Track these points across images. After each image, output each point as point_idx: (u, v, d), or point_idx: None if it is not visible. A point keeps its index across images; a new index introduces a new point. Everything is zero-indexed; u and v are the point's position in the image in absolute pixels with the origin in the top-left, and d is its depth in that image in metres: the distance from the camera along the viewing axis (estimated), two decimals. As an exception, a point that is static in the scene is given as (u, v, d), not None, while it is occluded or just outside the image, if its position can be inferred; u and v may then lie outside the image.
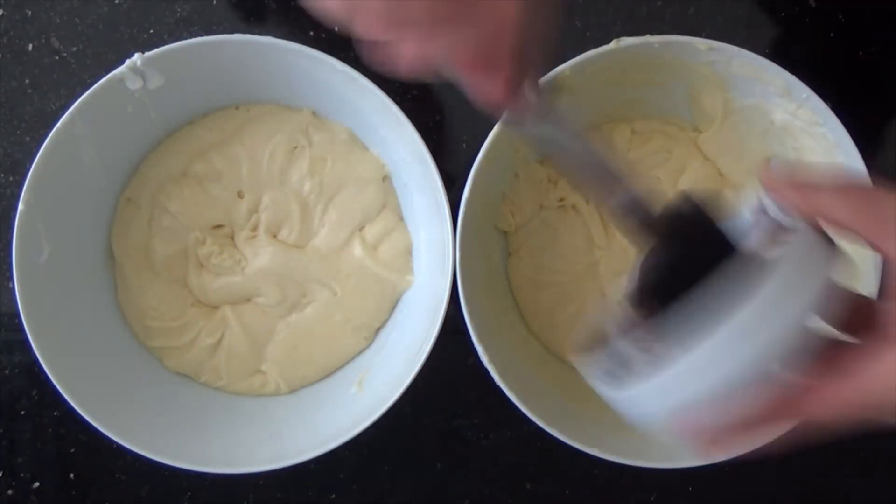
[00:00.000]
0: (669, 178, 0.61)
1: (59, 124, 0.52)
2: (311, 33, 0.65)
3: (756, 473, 0.65)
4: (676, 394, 0.34)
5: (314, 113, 0.60)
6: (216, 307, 0.61)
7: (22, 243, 0.52)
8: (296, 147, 0.60)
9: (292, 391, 0.61)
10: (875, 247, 0.35)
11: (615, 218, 0.41)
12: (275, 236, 0.60)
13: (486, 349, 0.52)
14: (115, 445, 0.52)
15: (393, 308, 0.61)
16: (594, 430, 0.56)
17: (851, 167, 0.53)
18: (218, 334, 0.60)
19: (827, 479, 0.66)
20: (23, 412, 0.65)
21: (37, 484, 0.65)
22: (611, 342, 0.39)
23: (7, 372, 0.65)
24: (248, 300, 0.61)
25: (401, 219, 0.61)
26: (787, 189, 0.37)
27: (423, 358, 0.52)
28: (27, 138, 0.65)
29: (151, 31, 0.65)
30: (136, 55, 0.52)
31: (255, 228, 0.60)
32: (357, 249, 0.60)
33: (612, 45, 0.53)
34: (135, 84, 0.54)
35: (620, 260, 0.62)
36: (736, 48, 0.53)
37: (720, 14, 0.66)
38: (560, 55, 0.53)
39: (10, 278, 0.52)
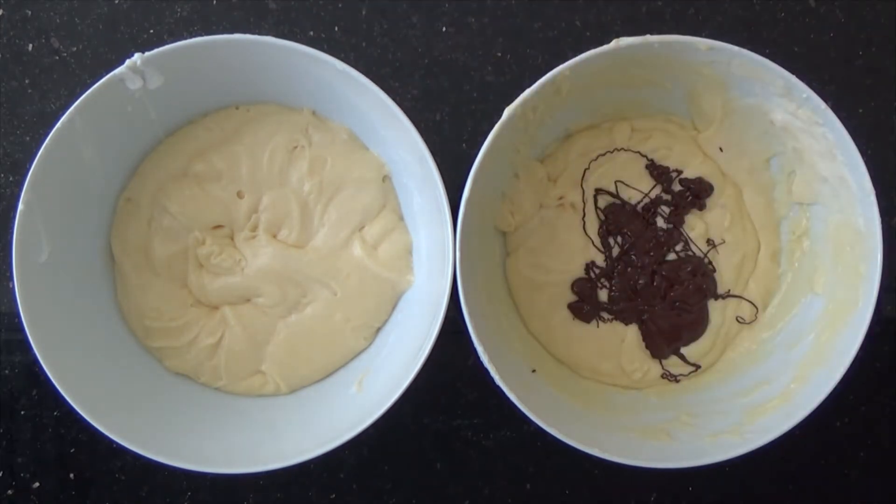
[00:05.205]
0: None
1: (59, 124, 0.52)
2: (311, 33, 0.65)
3: (756, 473, 0.65)
4: None
5: (314, 113, 0.60)
6: (216, 307, 0.61)
7: (22, 243, 0.52)
8: (296, 147, 0.60)
9: (292, 391, 0.61)
10: None
11: None
12: (274, 236, 0.60)
13: (486, 349, 0.52)
14: (115, 445, 0.52)
15: (393, 308, 0.61)
16: (594, 430, 0.56)
17: (851, 167, 0.53)
18: (218, 334, 0.60)
19: (827, 479, 0.66)
20: (23, 412, 0.65)
21: (37, 484, 0.65)
22: None
23: (7, 372, 0.65)
24: (248, 300, 0.61)
25: (401, 219, 0.61)
26: None
27: (423, 358, 0.52)
28: (27, 138, 0.65)
29: (151, 31, 0.65)
30: (136, 55, 0.52)
31: (254, 228, 0.60)
32: (357, 249, 0.60)
33: (612, 45, 0.53)
34: (135, 84, 0.54)
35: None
36: (736, 48, 0.53)
37: (720, 14, 0.66)
38: (560, 55, 0.53)
39: (10, 278, 0.53)
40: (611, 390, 0.62)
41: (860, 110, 0.66)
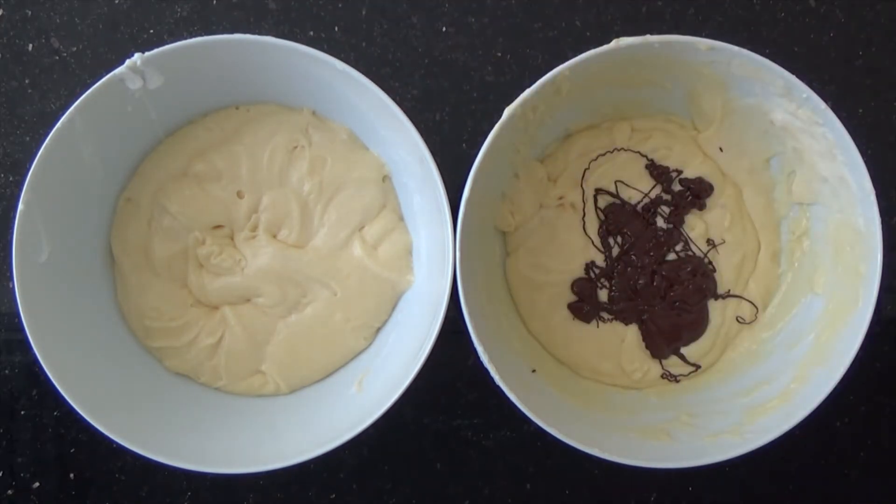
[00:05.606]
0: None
1: (59, 124, 0.52)
2: (311, 33, 0.65)
3: (756, 473, 0.65)
4: None
5: (314, 113, 0.60)
6: (216, 307, 0.61)
7: (22, 243, 0.52)
8: (296, 147, 0.60)
9: (292, 391, 0.61)
10: None
11: None
12: (274, 236, 0.60)
13: (486, 349, 0.52)
14: (115, 445, 0.52)
15: (393, 308, 0.61)
16: (594, 430, 0.56)
17: (851, 167, 0.53)
18: (218, 334, 0.60)
19: (827, 479, 0.66)
20: (23, 412, 0.65)
21: (37, 484, 0.65)
22: None
23: (7, 372, 0.65)
24: (248, 300, 0.61)
25: (401, 219, 0.61)
26: None
27: (423, 358, 0.52)
28: (27, 138, 0.65)
29: (151, 31, 0.65)
30: (136, 55, 0.52)
31: (254, 228, 0.60)
32: (357, 249, 0.60)
33: (612, 45, 0.53)
34: (135, 84, 0.54)
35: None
36: (736, 48, 0.53)
37: (720, 14, 0.66)
38: (560, 55, 0.53)
39: (11, 278, 0.53)
40: (611, 390, 0.62)
41: (860, 110, 0.66)
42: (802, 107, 0.54)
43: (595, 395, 0.61)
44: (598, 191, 0.62)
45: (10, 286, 0.53)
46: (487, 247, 0.61)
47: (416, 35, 0.65)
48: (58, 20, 0.65)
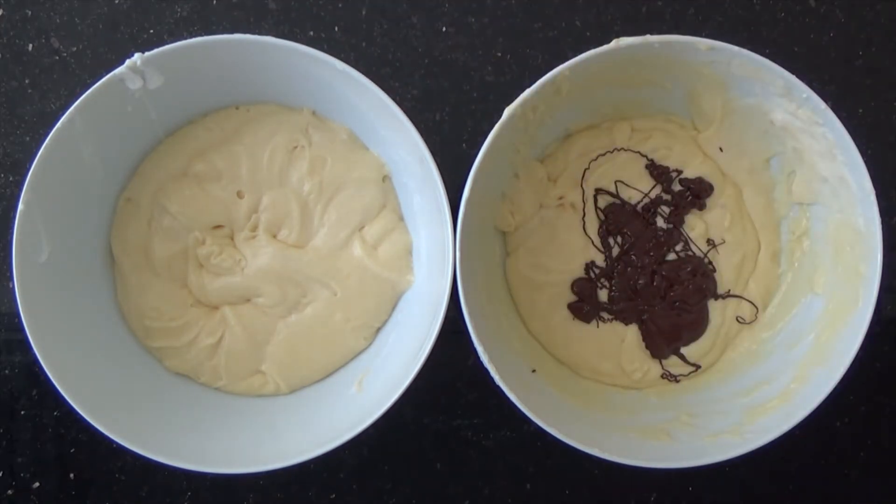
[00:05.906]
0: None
1: (59, 124, 0.52)
2: (311, 33, 0.65)
3: (756, 473, 0.65)
4: None
5: (314, 113, 0.60)
6: (216, 307, 0.61)
7: (22, 243, 0.52)
8: (296, 147, 0.60)
9: (292, 391, 0.61)
10: None
11: None
12: (274, 236, 0.60)
13: (486, 349, 0.52)
14: (115, 445, 0.52)
15: (393, 308, 0.61)
16: (594, 430, 0.56)
17: (851, 167, 0.53)
18: (218, 334, 0.60)
19: (827, 479, 0.66)
20: (23, 412, 0.65)
21: (37, 484, 0.65)
22: None
23: (7, 372, 0.65)
24: (248, 300, 0.61)
25: (401, 219, 0.61)
26: None
27: (423, 358, 0.52)
28: (27, 138, 0.65)
29: (151, 31, 0.65)
30: (136, 55, 0.52)
31: (254, 228, 0.60)
32: (357, 249, 0.60)
33: (612, 45, 0.53)
34: (135, 84, 0.54)
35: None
36: (736, 48, 0.53)
37: (720, 14, 0.66)
38: (560, 55, 0.53)
39: (11, 278, 0.53)
40: (611, 390, 0.62)
41: (860, 110, 0.66)
42: (802, 107, 0.54)
43: (595, 395, 0.61)
44: (598, 191, 0.62)
45: (10, 286, 0.53)
46: (487, 247, 0.61)
47: (416, 35, 0.65)
48: (58, 20, 0.65)
